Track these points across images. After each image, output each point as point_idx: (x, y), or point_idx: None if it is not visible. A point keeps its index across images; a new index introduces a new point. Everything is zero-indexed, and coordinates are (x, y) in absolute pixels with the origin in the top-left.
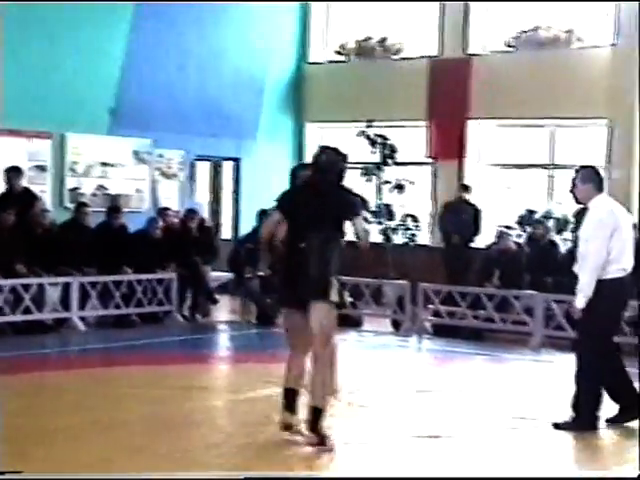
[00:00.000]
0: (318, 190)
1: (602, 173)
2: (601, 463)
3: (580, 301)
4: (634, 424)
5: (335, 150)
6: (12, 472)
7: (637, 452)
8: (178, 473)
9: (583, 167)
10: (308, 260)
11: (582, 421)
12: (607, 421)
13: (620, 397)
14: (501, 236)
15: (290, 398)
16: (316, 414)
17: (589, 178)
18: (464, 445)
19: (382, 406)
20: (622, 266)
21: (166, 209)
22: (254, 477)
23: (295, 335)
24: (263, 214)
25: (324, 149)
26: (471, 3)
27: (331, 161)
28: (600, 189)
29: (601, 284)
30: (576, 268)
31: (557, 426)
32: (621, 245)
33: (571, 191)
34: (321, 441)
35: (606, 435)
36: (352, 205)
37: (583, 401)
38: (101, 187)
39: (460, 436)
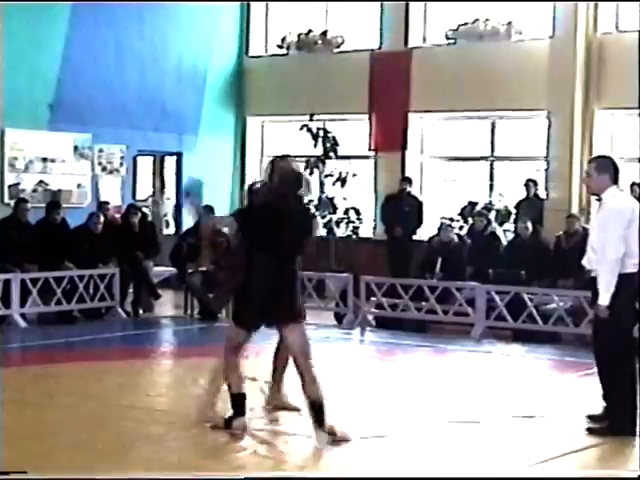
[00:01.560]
0: (290, 213)
1: (618, 164)
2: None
3: (604, 298)
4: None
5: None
6: (17, 472)
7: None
8: (176, 474)
9: (599, 157)
10: (290, 284)
11: (616, 425)
12: (588, 417)
13: (614, 403)
14: (442, 228)
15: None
16: (321, 409)
17: (605, 168)
18: (404, 443)
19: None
20: (637, 260)
21: (106, 203)
22: (254, 477)
23: (242, 348)
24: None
25: (281, 158)
26: None
27: (296, 176)
28: (615, 180)
29: (619, 279)
30: (585, 261)
31: (591, 431)
32: (636, 238)
33: (585, 181)
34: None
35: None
36: (315, 227)
37: (613, 404)
38: (41, 183)
39: (401, 434)
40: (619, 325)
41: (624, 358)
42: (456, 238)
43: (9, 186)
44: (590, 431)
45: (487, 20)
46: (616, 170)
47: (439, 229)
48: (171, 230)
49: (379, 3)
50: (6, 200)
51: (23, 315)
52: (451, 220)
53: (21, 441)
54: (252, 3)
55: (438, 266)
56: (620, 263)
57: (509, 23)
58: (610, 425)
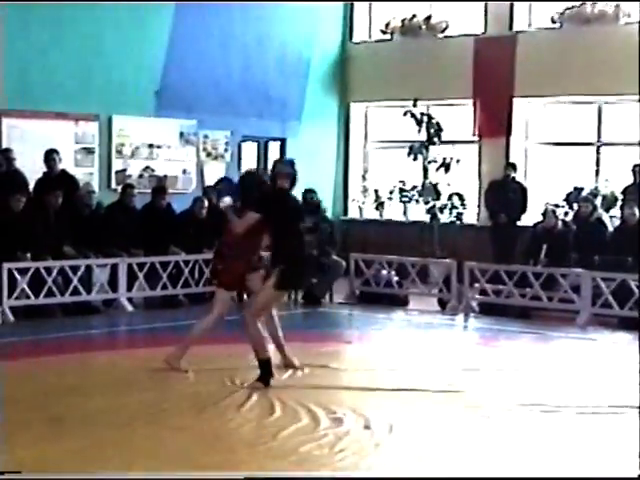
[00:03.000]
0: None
1: None
2: None
3: None
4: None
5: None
6: (11, 472)
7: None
8: (179, 473)
9: None
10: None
11: None
12: None
13: None
14: (547, 214)
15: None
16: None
17: None
18: (507, 425)
19: (429, 385)
20: None
21: (211, 188)
22: (254, 477)
23: None
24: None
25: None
26: None
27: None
28: None
29: None
30: None
31: None
32: None
33: None
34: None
35: None
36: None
37: None
38: (148, 168)
39: (504, 415)
40: None
41: None
42: (561, 224)
43: (116, 172)
44: None
45: (594, 3)
46: None
47: (543, 215)
48: None
49: None
50: (113, 186)
51: (130, 299)
52: (556, 206)
53: (124, 424)
54: None
55: (543, 252)
56: None
57: (617, 6)
58: None
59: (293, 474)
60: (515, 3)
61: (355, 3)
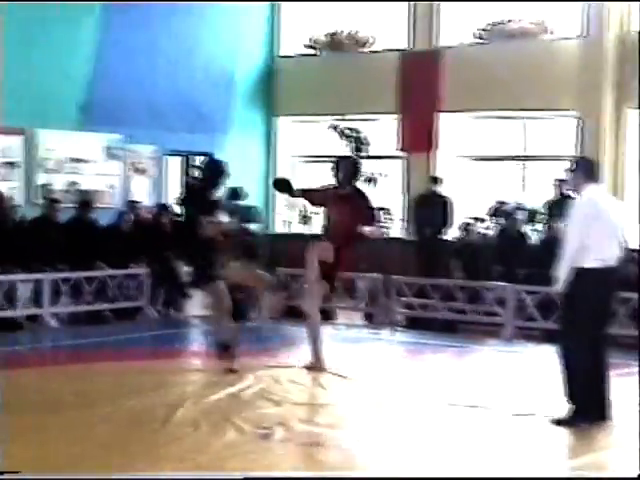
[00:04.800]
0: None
1: (595, 164)
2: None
3: (556, 284)
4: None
5: None
6: (10, 472)
7: None
8: (178, 473)
9: (578, 158)
10: None
11: (580, 416)
12: (554, 422)
13: (578, 398)
14: (465, 229)
15: None
16: None
17: (581, 168)
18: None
19: (354, 399)
20: (602, 257)
21: (136, 203)
22: (254, 477)
23: None
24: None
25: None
26: None
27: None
28: (591, 179)
29: (579, 273)
30: None
31: (558, 422)
32: (601, 235)
33: (564, 180)
34: None
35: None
36: None
37: (576, 395)
38: (72, 183)
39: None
40: (580, 321)
41: (581, 354)
42: (478, 238)
43: (40, 186)
44: (557, 423)
45: (519, 19)
46: (592, 169)
47: (461, 230)
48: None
49: (409, 3)
50: (37, 200)
51: (54, 314)
52: (481, 220)
53: (54, 441)
54: (282, 4)
55: (459, 267)
56: (574, 256)
57: (540, 22)
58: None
59: (293, 474)
60: (440, 19)
61: (282, 17)
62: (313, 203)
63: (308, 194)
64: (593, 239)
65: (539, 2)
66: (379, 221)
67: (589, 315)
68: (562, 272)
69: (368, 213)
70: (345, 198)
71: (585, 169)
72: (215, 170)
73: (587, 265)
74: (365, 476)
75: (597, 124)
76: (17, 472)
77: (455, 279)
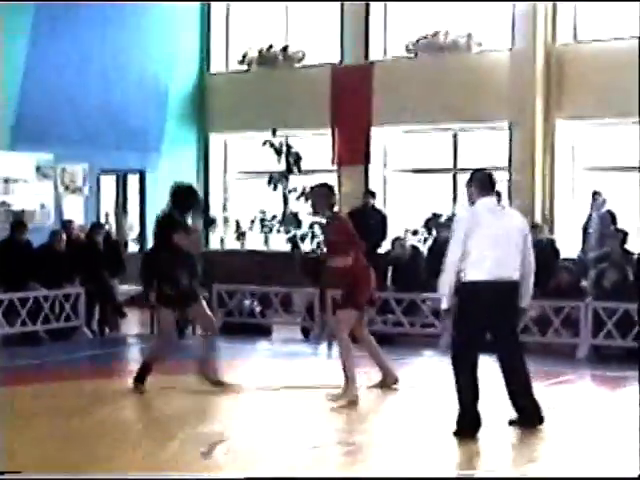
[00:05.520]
0: None
1: (491, 176)
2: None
3: (442, 302)
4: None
5: None
6: (11, 472)
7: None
8: (178, 474)
9: (475, 170)
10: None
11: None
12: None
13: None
14: (395, 243)
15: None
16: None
17: (475, 181)
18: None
19: (291, 416)
20: (484, 270)
21: (69, 222)
22: (254, 477)
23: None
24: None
25: None
26: (371, 9)
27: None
28: (485, 192)
29: (461, 287)
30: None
31: (511, 423)
32: (483, 248)
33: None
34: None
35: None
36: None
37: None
38: (4, 203)
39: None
40: (458, 333)
41: (463, 362)
42: (408, 252)
43: None
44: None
45: (447, 32)
46: (485, 181)
47: (392, 244)
48: (135, 248)
49: (339, 17)
50: None
51: None
52: (415, 233)
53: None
54: (213, 20)
55: (388, 280)
56: (454, 269)
57: (469, 35)
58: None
59: (293, 474)
60: (370, 33)
61: (213, 33)
62: None
63: None
64: (475, 252)
65: (469, 7)
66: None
67: (465, 329)
68: (444, 287)
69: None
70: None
71: (479, 182)
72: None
73: (468, 279)
74: (365, 476)
75: (528, 134)
76: (18, 472)
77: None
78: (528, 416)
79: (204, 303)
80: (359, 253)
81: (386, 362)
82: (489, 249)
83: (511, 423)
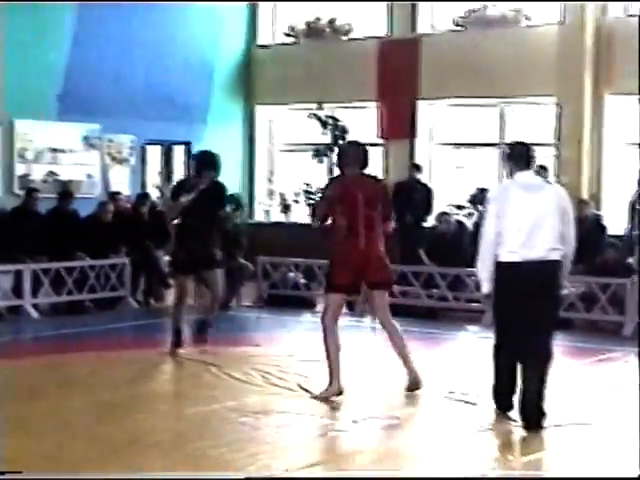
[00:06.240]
0: None
1: (529, 150)
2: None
3: (482, 286)
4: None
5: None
6: (12, 472)
7: None
8: (178, 473)
9: (513, 143)
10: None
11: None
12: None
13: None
14: (440, 218)
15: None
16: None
17: (512, 154)
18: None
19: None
20: (514, 250)
21: (117, 193)
22: (254, 477)
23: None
24: None
25: None
26: None
27: None
28: (521, 166)
29: (496, 268)
30: None
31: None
32: (513, 227)
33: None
34: None
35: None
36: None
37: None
38: (51, 173)
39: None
40: (497, 315)
41: (502, 349)
42: (453, 227)
43: (19, 177)
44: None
45: (495, 6)
46: (523, 155)
47: (437, 218)
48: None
49: None
50: (16, 191)
51: (35, 305)
52: (460, 207)
53: (36, 433)
54: None
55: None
56: (490, 250)
57: (518, 9)
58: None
59: (292, 474)
60: (418, 6)
61: (260, 5)
62: None
63: None
64: (505, 231)
65: None
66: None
67: (502, 316)
68: (481, 271)
69: None
70: None
71: (516, 155)
72: (208, 162)
73: (500, 259)
74: (365, 476)
75: (576, 110)
76: (20, 472)
77: (434, 266)
78: (526, 412)
79: (218, 274)
80: (357, 230)
81: (411, 361)
82: (519, 227)
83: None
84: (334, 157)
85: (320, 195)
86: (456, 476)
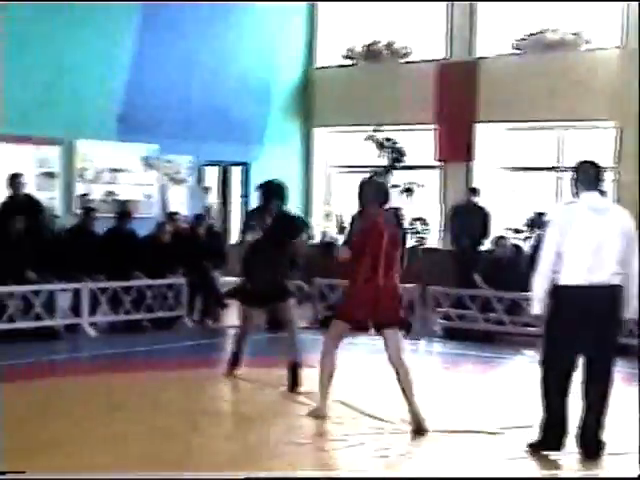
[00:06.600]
0: None
1: (599, 169)
2: None
3: (533, 306)
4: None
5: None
6: (14, 472)
7: None
8: (178, 473)
9: (579, 163)
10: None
11: (545, 441)
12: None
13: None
14: (496, 242)
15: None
16: None
17: (580, 173)
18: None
19: (391, 411)
20: (578, 273)
21: (175, 214)
22: (254, 477)
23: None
24: None
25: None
26: (478, 6)
27: None
28: (589, 186)
29: (553, 291)
30: None
31: (531, 446)
32: (577, 249)
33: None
34: None
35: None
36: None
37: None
38: (110, 193)
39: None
40: (546, 342)
41: (553, 375)
42: (509, 252)
43: (78, 196)
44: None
45: (555, 30)
46: (590, 175)
47: (493, 243)
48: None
49: (446, 13)
50: (75, 210)
51: (93, 324)
52: (518, 231)
53: (91, 451)
54: (319, 14)
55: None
56: (547, 272)
57: (577, 33)
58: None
59: (292, 474)
60: (477, 29)
61: (319, 28)
62: None
63: None
64: (569, 253)
65: (578, 5)
66: None
67: (556, 340)
68: (536, 291)
69: None
70: None
71: (585, 174)
72: (273, 192)
73: (562, 283)
74: (365, 476)
75: (636, 133)
76: (22, 472)
77: (490, 290)
78: (585, 440)
79: (292, 305)
80: (378, 268)
81: (415, 404)
82: (584, 250)
83: (531, 447)
84: (391, 180)
85: (348, 229)
86: (456, 476)
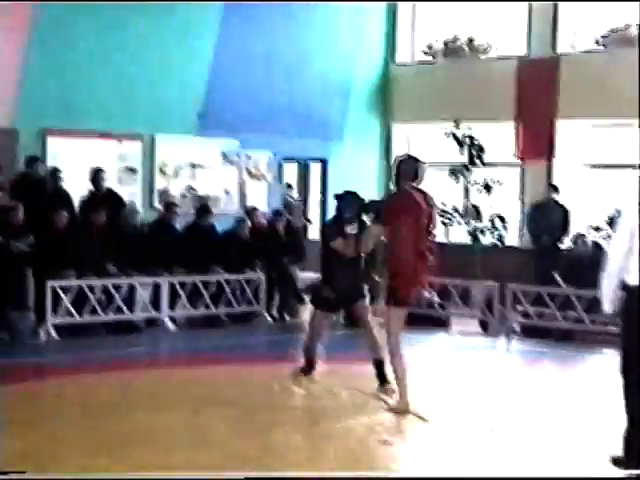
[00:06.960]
0: None
1: None
2: None
3: (603, 304)
4: None
5: None
6: (15, 472)
7: None
8: (178, 473)
9: None
10: None
11: (631, 457)
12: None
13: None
14: (577, 240)
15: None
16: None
17: None
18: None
19: (469, 409)
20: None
21: (254, 209)
22: (254, 477)
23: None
24: None
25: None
26: (560, 2)
27: None
28: None
29: (625, 290)
30: None
31: (615, 461)
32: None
33: None
34: None
35: None
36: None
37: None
38: (190, 188)
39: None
40: (624, 347)
41: (633, 380)
42: (589, 249)
43: (159, 191)
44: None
45: (638, 25)
46: None
47: (573, 241)
48: (316, 235)
49: (527, 9)
50: (156, 205)
51: (172, 318)
52: (598, 229)
53: (177, 446)
54: (399, 11)
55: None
56: (618, 270)
57: None
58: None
59: (292, 474)
60: (558, 25)
61: (399, 24)
62: None
63: None
64: (638, 251)
65: None
66: None
67: (633, 342)
68: (605, 289)
69: None
70: None
71: None
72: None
73: (630, 282)
74: (365, 476)
75: None
76: (23, 472)
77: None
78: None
79: (365, 303)
80: (421, 243)
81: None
82: None
83: (615, 462)
84: (470, 177)
85: (384, 207)
86: (457, 476)
